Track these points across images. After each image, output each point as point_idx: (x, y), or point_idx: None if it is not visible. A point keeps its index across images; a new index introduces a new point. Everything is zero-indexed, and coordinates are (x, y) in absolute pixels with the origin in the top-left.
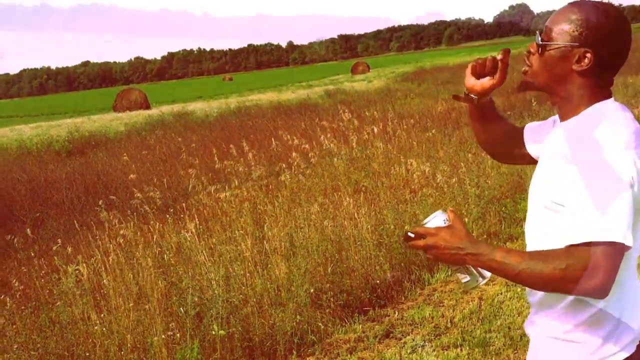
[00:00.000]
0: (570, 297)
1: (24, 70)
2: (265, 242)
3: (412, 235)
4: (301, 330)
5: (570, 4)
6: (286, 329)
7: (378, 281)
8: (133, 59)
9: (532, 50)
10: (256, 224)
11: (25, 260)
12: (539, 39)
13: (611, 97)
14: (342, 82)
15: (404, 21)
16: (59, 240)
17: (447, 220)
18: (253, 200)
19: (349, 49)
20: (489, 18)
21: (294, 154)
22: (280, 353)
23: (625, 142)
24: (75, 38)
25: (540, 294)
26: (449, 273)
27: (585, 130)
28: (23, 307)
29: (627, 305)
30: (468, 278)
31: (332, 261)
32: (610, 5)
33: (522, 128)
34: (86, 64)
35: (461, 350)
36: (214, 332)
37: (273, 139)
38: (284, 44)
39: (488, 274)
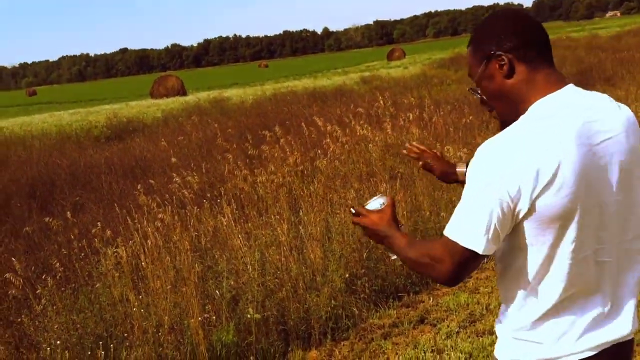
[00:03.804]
0: (521, 294)
1: (63, 57)
2: (300, 227)
3: (353, 212)
4: (336, 315)
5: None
6: (321, 313)
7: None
8: (170, 46)
9: (481, 98)
10: (292, 209)
11: (65, 242)
12: (471, 89)
13: (552, 89)
14: (378, 69)
15: (441, 6)
16: (98, 223)
17: (384, 204)
18: (289, 185)
19: (384, 35)
20: (527, 3)
21: (329, 139)
22: (315, 337)
23: (505, 155)
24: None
25: (501, 290)
26: (485, 260)
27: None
28: (63, 289)
29: (585, 314)
30: (395, 256)
31: (367, 247)
32: (488, 16)
33: None
34: (124, 50)
35: (496, 337)
36: (249, 316)
37: (308, 125)
38: (319, 31)
39: None
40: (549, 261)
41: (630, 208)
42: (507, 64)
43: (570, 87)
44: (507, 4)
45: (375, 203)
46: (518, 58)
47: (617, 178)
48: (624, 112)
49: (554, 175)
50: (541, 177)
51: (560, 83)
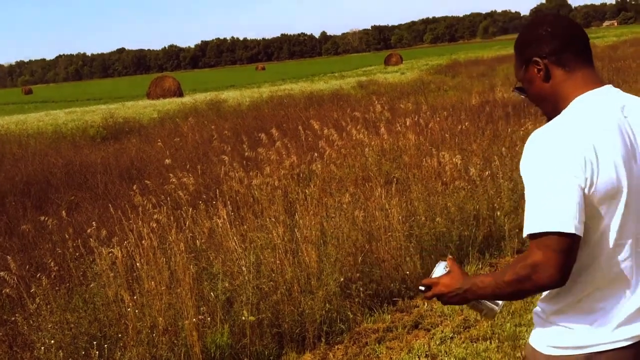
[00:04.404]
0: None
1: (60, 56)
2: (296, 230)
3: (423, 289)
4: (330, 319)
5: None
6: (315, 316)
7: (408, 272)
8: (167, 47)
9: (527, 98)
10: (287, 212)
11: (60, 242)
12: (516, 90)
13: (590, 88)
14: (375, 74)
15: (438, 13)
16: (93, 223)
17: (447, 267)
18: (284, 188)
19: (382, 40)
20: (525, 10)
21: (325, 143)
22: (309, 340)
23: (563, 139)
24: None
25: None
26: (480, 266)
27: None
28: (57, 288)
29: (614, 301)
30: (484, 310)
31: (362, 251)
32: (529, 20)
33: None
34: (121, 50)
35: (490, 343)
36: (243, 318)
37: (305, 129)
38: (317, 34)
39: (500, 303)
40: (593, 246)
41: None
42: (543, 69)
43: (609, 86)
44: (505, 11)
45: (439, 269)
46: (554, 62)
47: None
48: None
49: (604, 159)
50: (594, 160)
51: (598, 82)
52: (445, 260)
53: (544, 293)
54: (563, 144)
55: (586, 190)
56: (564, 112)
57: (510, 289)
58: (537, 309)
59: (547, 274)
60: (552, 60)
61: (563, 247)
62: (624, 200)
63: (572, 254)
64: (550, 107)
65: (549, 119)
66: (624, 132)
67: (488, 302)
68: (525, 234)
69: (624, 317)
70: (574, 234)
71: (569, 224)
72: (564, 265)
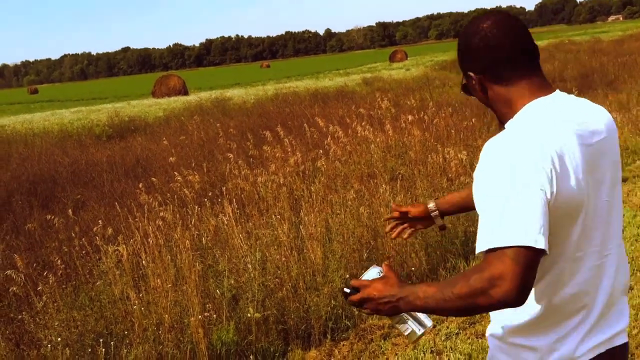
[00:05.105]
0: None
1: (65, 55)
2: (301, 227)
3: (348, 291)
4: (336, 315)
5: None
6: (321, 313)
7: (413, 268)
8: (172, 45)
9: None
10: (292, 209)
11: (66, 240)
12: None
13: (538, 95)
14: (380, 70)
15: (443, 9)
16: (99, 221)
17: (381, 272)
18: (290, 185)
19: (387, 36)
20: (530, 6)
21: (330, 140)
22: (315, 337)
23: (524, 147)
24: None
25: None
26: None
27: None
28: (64, 286)
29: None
30: (409, 329)
31: (368, 247)
32: (468, 22)
33: None
34: (126, 49)
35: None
36: (249, 315)
37: (310, 126)
38: (321, 32)
39: (428, 324)
40: (552, 259)
41: (613, 213)
42: (478, 84)
43: (558, 92)
44: (510, 7)
45: (372, 273)
46: (488, 79)
47: (607, 180)
48: (606, 115)
49: (565, 169)
50: (556, 171)
51: (546, 89)
52: (379, 266)
53: (498, 316)
54: (525, 154)
55: (550, 203)
56: (515, 119)
57: (460, 302)
58: (495, 326)
59: (505, 289)
60: (486, 77)
61: (528, 261)
62: (584, 212)
63: (534, 272)
64: (498, 112)
65: (500, 121)
66: (582, 140)
67: (416, 321)
68: (483, 248)
69: (585, 331)
70: (541, 249)
71: (539, 238)
72: (526, 282)
